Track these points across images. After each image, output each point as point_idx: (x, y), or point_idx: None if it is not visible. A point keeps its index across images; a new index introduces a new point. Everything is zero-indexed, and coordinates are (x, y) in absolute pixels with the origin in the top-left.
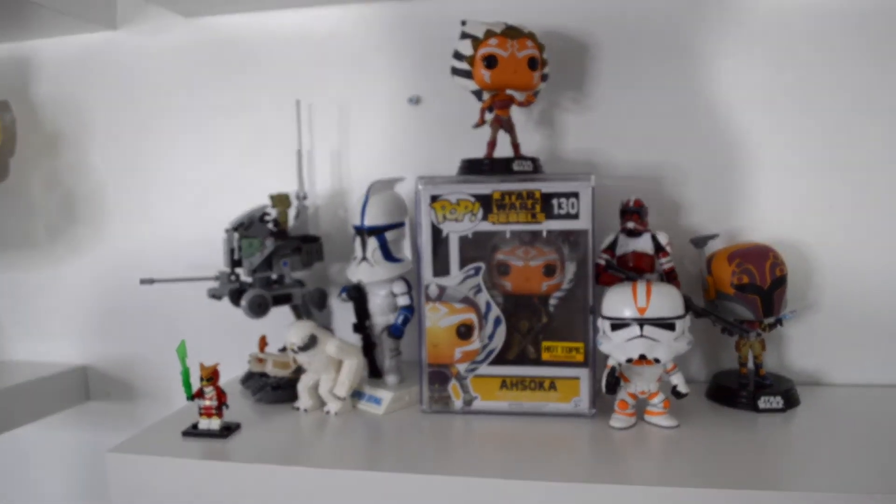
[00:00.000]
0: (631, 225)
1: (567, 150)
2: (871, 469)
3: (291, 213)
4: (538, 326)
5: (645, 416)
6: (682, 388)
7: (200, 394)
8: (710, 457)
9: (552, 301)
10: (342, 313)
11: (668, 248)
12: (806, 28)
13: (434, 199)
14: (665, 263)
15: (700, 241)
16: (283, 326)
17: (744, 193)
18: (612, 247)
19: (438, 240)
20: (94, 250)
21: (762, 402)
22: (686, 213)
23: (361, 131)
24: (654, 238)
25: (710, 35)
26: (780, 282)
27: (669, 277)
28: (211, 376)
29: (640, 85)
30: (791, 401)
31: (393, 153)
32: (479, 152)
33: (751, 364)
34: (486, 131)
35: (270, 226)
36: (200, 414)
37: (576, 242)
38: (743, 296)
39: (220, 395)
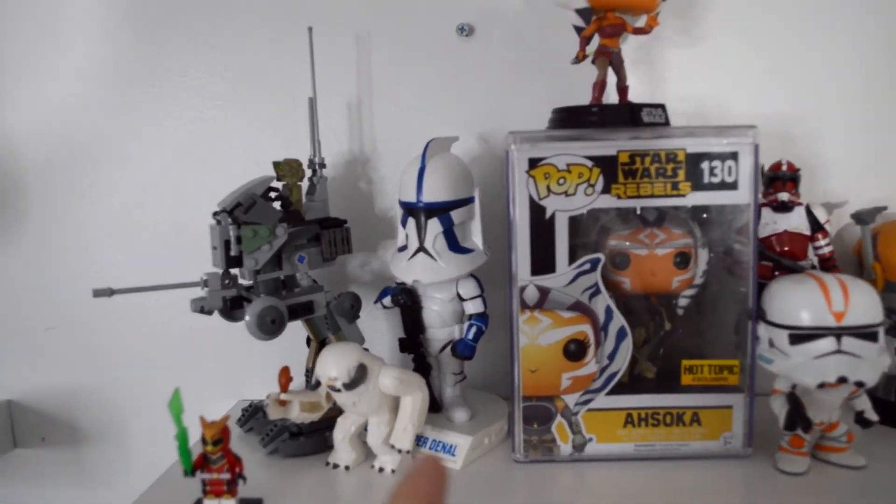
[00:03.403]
0: (784, 196)
1: (669, 98)
2: None
3: (303, 187)
4: (659, 336)
5: (819, 453)
6: (871, 416)
7: (203, 463)
8: None
9: (682, 301)
10: (372, 326)
11: (827, 227)
12: None
13: (534, 163)
14: (824, 247)
15: (868, 216)
16: (288, 347)
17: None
18: None
19: (541, 222)
20: (15, 244)
21: None
22: (820, 179)
23: (389, 73)
24: (808, 212)
25: None
26: None
27: (827, 266)
28: (220, 437)
29: (764, 11)
30: None
31: (434, 103)
32: (559, 101)
33: None
34: (570, 71)
35: (277, 205)
36: (205, 492)
37: (708, 220)
38: None
39: (234, 464)
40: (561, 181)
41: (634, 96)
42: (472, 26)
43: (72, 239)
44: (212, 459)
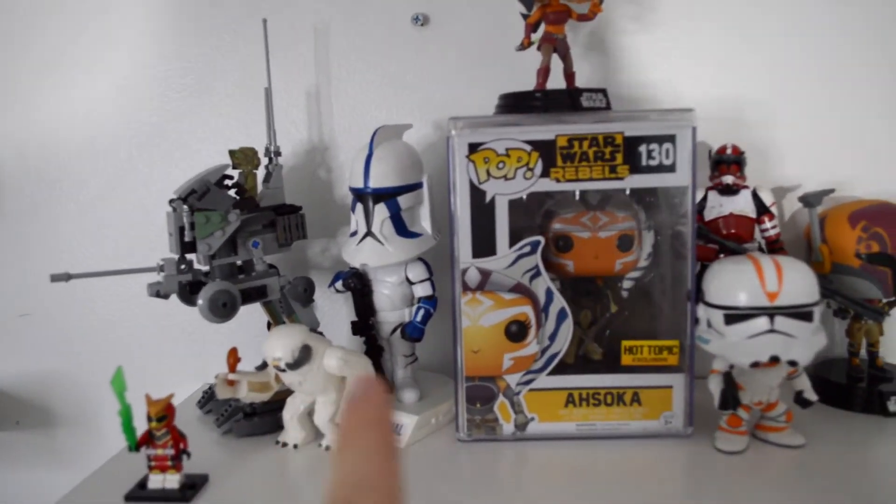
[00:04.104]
0: (729, 179)
1: (622, 84)
2: None
3: (259, 174)
4: (605, 318)
5: (758, 432)
6: (810, 395)
7: (148, 439)
8: (846, 482)
9: (626, 283)
10: (332, 309)
11: (773, 209)
12: None
13: (474, 148)
14: (770, 229)
15: (814, 198)
16: (254, 331)
17: (847, 136)
18: (699, 209)
19: (480, 206)
20: None
21: (893, 404)
22: (774, 164)
23: (346, 63)
24: (754, 196)
25: None
26: None
27: (773, 248)
28: (164, 414)
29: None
30: None
31: (391, 92)
32: (513, 87)
33: (863, 352)
34: (522, 58)
35: (233, 193)
36: (150, 468)
37: (653, 204)
38: (871, 268)
39: (178, 440)
40: (500, 165)
41: (589, 82)
42: (427, 16)
43: (44, 229)
44: (156, 436)
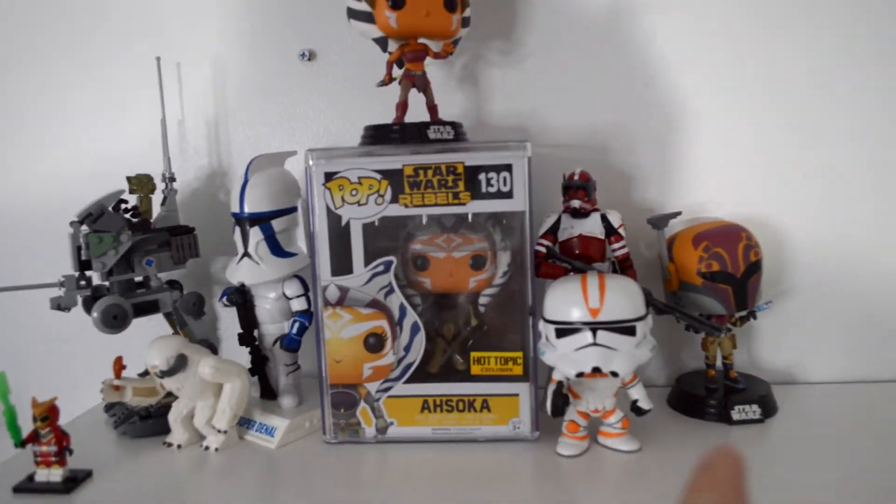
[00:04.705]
0: (576, 203)
1: (494, 114)
2: (861, 485)
3: (156, 199)
4: (466, 332)
5: (599, 437)
6: (644, 404)
7: (34, 438)
8: (679, 486)
9: (482, 300)
10: (229, 321)
11: (621, 231)
12: None
13: (329, 177)
14: (618, 249)
15: (660, 221)
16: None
17: (704, 162)
18: (553, 230)
19: (337, 229)
20: None
21: (736, 413)
22: (638, 188)
23: (243, 96)
24: (604, 218)
25: None
26: (754, 268)
27: (623, 266)
28: (46, 415)
29: (579, 33)
30: (768, 408)
31: (282, 122)
32: (389, 118)
33: (719, 364)
34: (396, 91)
35: (128, 216)
36: (37, 463)
37: (510, 226)
38: (713, 286)
39: (61, 438)
40: (353, 192)
41: (462, 112)
42: (314, 51)
43: None
44: (41, 434)
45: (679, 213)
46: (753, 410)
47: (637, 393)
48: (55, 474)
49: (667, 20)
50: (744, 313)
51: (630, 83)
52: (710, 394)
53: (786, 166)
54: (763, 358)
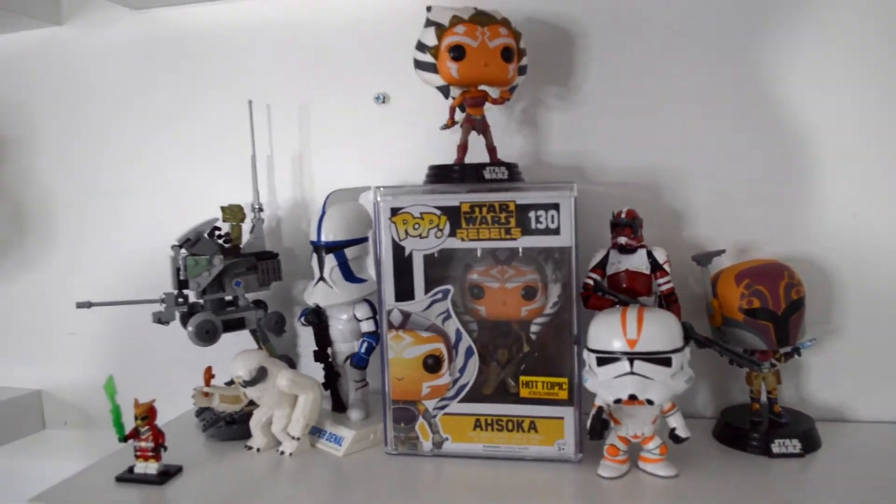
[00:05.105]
0: (623, 240)
1: (552, 154)
2: None
3: (246, 227)
4: (518, 357)
5: (639, 462)
6: (682, 433)
7: (135, 434)
8: None
9: (533, 328)
10: (307, 339)
11: (666, 267)
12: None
13: (395, 212)
14: (663, 284)
15: (704, 259)
16: None
17: (754, 202)
18: (602, 265)
19: (401, 258)
20: (44, 265)
21: (777, 446)
22: (689, 225)
23: (324, 134)
24: (650, 255)
25: (717, 21)
26: (796, 305)
27: (668, 301)
28: (146, 414)
29: (632, 78)
30: (810, 443)
31: (359, 158)
32: (452, 157)
33: (764, 398)
34: (458, 133)
35: (222, 241)
36: (136, 456)
37: (560, 260)
38: (753, 322)
39: (157, 436)
40: (416, 226)
41: (521, 153)
42: (388, 95)
43: (88, 260)
44: (141, 431)
45: (723, 252)
46: (794, 445)
47: (675, 421)
48: (151, 467)
49: (710, 67)
50: (788, 349)
51: (679, 125)
52: (754, 427)
53: (834, 205)
54: (812, 395)
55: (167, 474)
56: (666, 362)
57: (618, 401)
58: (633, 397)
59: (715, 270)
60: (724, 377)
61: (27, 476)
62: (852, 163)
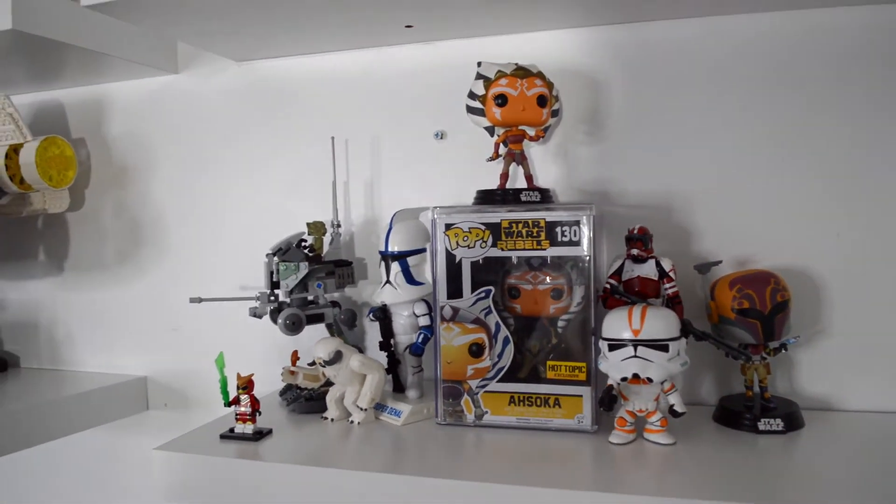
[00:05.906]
0: (635, 252)
1: (581, 181)
2: (870, 493)
3: (326, 239)
4: (547, 347)
5: (644, 433)
6: (679, 408)
7: (237, 401)
8: (704, 472)
9: (560, 323)
10: (373, 333)
11: (671, 274)
12: (815, 55)
13: (448, 227)
14: (669, 288)
15: (704, 268)
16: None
17: (751, 220)
18: (618, 272)
19: (452, 264)
20: (156, 272)
21: (762, 424)
22: (695, 240)
23: (391, 164)
24: (658, 264)
25: (717, 66)
26: (781, 307)
27: (673, 302)
28: (246, 385)
29: (648, 118)
30: (792, 423)
31: (420, 184)
32: (496, 184)
33: (757, 388)
34: (501, 164)
35: (306, 251)
36: (236, 419)
37: (581, 267)
38: (743, 320)
39: (254, 403)
40: (465, 238)
41: (556, 179)
42: (445, 132)
43: (193, 268)
44: (241, 399)
45: (720, 262)
46: (777, 423)
47: (674, 399)
48: (248, 428)
49: (710, 110)
50: (776, 345)
51: (687, 158)
52: (746, 410)
53: (820, 224)
54: (802, 387)
55: (260, 434)
56: (664, 348)
57: (624, 379)
58: (636, 376)
59: (714, 278)
60: (724, 370)
61: (133, 448)
62: (835, 186)
